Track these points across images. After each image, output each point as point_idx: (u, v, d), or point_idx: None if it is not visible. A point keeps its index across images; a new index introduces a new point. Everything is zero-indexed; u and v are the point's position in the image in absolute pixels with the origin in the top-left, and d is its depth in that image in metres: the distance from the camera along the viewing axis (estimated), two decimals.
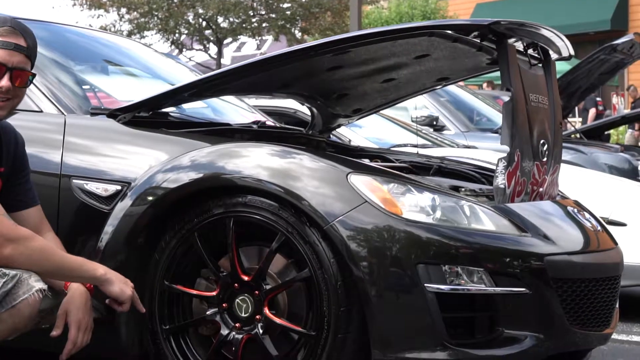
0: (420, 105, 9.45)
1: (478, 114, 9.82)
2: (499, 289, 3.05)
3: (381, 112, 7.74)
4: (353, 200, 3.01)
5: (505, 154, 3.34)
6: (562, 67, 11.18)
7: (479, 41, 3.58)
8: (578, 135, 9.39)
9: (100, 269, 2.87)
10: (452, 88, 10.76)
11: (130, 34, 23.48)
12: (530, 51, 3.60)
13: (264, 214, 3.08)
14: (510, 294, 3.07)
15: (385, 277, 2.94)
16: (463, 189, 3.58)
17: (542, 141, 3.58)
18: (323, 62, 3.64)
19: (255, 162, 3.13)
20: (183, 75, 4.78)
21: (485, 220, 3.17)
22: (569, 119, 11.68)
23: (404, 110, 8.79)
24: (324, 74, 3.85)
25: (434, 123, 8.91)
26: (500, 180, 3.34)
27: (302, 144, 3.92)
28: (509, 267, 3.08)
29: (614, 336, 4.83)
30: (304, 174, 3.08)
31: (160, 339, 3.20)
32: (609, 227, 5.34)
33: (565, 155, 7.56)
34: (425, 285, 2.95)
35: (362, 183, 3.05)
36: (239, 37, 25.72)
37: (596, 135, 9.46)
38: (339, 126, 4.71)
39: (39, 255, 2.74)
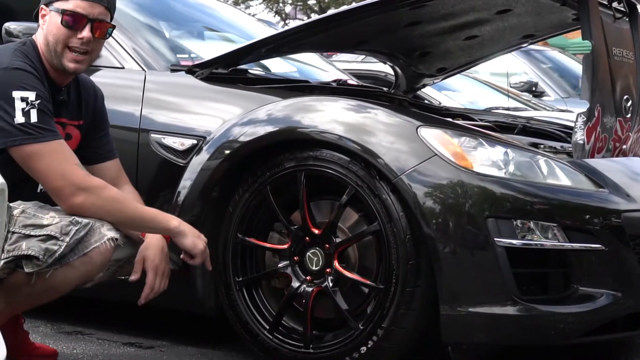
0: (520, 71, 9.32)
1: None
2: (572, 245, 2.98)
3: (476, 76, 7.69)
4: (423, 153, 2.99)
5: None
6: None
7: None
8: None
9: (174, 221, 2.90)
10: (556, 55, 10.57)
11: (235, 4, 23.67)
12: (614, 4, 3.50)
13: (334, 167, 3.07)
14: (584, 250, 3.01)
15: (454, 231, 2.91)
16: (542, 146, 3.51)
17: (625, 97, 3.48)
18: (400, 17, 3.60)
19: (327, 116, 3.12)
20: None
21: (560, 176, 3.11)
22: None
23: (503, 77, 8.68)
24: (403, 30, 3.81)
25: (533, 89, 8.80)
26: (579, 136, 3.27)
27: None
28: (583, 222, 3.01)
29: None
30: (375, 128, 3.06)
31: (233, 291, 3.24)
32: None
33: None
34: (495, 239, 2.91)
35: (432, 136, 3.02)
36: (342, 7, 25.65)
37: None
38: (423, 86, 4.67)
39: (111, 205, 2.79)
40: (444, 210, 2.93)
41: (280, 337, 3.17)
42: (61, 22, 2.83)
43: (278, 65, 4.46)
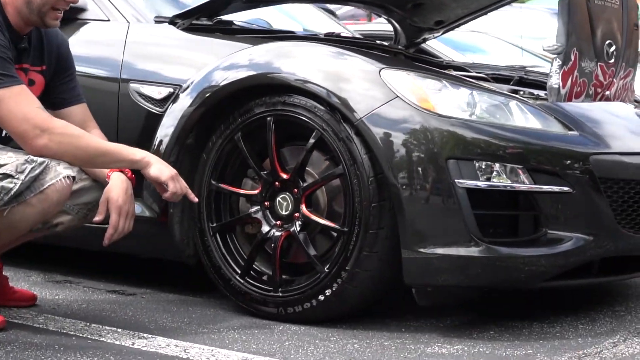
0: (554, 35, 9.19)
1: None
2: (538, 187, 2.96)
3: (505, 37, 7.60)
4: (385, 95, 2.98)
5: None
6: None
7: None
8: None
9: (138, 153, 2.92)
10: None
11: None
12: None
13: (301, 111, 3.08)
14: (552, 192, 2.98)
15: (415, 173, 2.91)
16: (522, 92, 3.48)
17: (608, 41, 3.43)
18: None
19: (296, 61, 3.13)
20: (307, 14, 4.75)
21: (530, 118, 3.08)
22: None
23: (540, 39, 8.59)
24: None
25: None
26: (555, 80, 3.24)
27: None
28: (550, 165, 2.99)
29: None
30: (341, 72, 3.06)
31: (207, 237, 3.27)
32: None
33: None
34: (456, 181, 2.90)
35: (395, 78, 3.01)
36: None
37: None
38: (424, 40, 4.65)
39: (76, 144, 2.83)
40: (405, 151, 2.92)
41: (251, 281, 3.20)
42: None
43: (283, 24, 4.47)
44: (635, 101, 3.75)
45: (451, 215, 2.91)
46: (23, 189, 2.72)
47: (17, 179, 2.72)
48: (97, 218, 2.91)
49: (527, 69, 4.52)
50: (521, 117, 3.08)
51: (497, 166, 2.95)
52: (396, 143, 2.93)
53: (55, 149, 2.81)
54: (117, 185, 2.93)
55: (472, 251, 2.92)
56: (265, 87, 3.17)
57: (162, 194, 2.98)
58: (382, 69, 3.04)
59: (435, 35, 4.62)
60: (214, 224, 3.27)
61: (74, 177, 2.81)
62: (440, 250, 2.92)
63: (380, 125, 2.95)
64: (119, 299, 3.43)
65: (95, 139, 2.93)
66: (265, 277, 3.21)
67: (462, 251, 2.91)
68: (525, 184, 2.96)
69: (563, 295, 3.55)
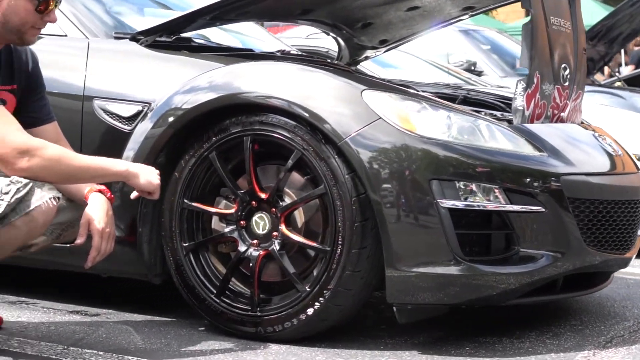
0: (460, 50, 9.42)
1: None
2: (513, 207, 3.05)
3: (416, 53, 7.76)
4: (367, 116, 3.03)
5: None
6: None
7: None
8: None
9: (121, 165, 2.94)
10: (494, 35, 10.69)
11: None
12: None
13: (281, 132, 3.10)
14: (525, 212, 3.08)
15: (399, 193, 2.96)
16: (483, 113, 3.58)
17: (563, 65, 3.56)
18: None
19: (273, 81, 3.15)
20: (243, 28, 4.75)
21: (501, 139, 3.17)
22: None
23: (443, 57, 8.77)
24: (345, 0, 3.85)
25: (472, 68, 8.89)
26: (519, 102, 3.34)
27: None
28: (524, 185, 3.08)
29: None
30: (320, 91, 3.10)
31: (180, 256, 3.25)
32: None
33: (604, 100, 7.55)
34: (439, 201, 2.97)
35: (377, 100, 3.07)
36: None
37: None
38: (366, 58, 4.72)
39: (58, 162, 2.78)
40: (389, 172, 2.98)
41: (227, 301, 3.19)
42: (36, 9, 2.85)
43: (221, 39, 4.47)
44: (582, 122, 3.90)
45: (434, 234, 2.97)
46: (9, 210, 2.66)
47: (2, 200, 2.65)
48: (79, 241, 2.87)
49: (466, 87, 4.64)
50: (492, 138, 3.17)
51: (474, 186, 3.03)
52: (380, 164, 2.98)
53: (39, 170, 2.76)
54: (98, 207, 2.90)
55: (453, 270, 2.98)
56: (241, 106, 3.17)
57: (143, 195, 3.01)
58: (364, 90, 3.08)
59: (377, 53, 4.70)
60: (187, 243, 3.25)
61: (58, 198, 2.76)
62: (422, 269, 2.98)
63: (363, 146, 2.99)
64: (85, 319, 3.37)
65: (77, 156, 2.88)
66: (241, 297, 3.20)
67: (443, 270, 2.98)
68: (502, 204, 3.05)
69: (510, 310, 3.64)
